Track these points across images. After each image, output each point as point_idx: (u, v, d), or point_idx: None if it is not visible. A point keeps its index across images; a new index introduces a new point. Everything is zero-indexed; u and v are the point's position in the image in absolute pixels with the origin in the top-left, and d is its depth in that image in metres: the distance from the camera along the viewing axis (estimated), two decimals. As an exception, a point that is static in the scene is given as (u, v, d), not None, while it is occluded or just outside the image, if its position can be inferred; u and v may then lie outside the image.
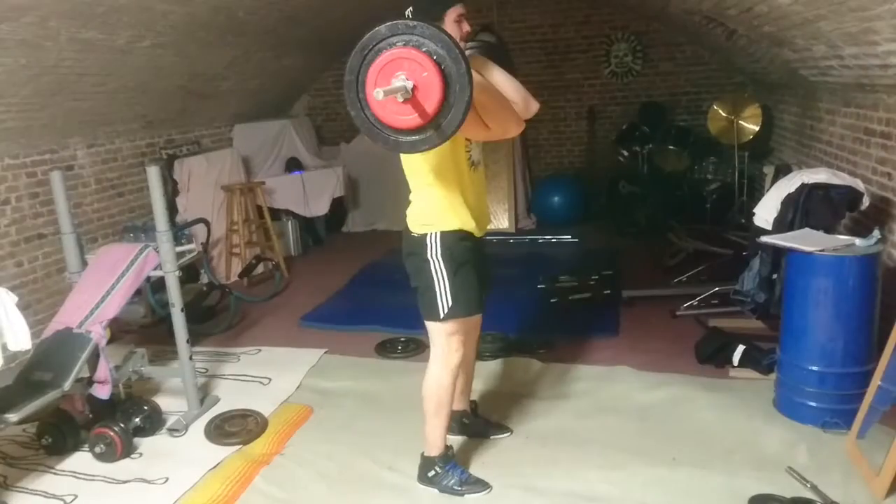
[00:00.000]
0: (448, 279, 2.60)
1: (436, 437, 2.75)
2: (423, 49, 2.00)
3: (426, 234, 2.61)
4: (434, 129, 2.06)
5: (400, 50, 2.01)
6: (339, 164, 7.13)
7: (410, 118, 2.02)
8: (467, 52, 2.49)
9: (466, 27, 2.52)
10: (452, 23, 2.46)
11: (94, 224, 5.05)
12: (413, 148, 2.15)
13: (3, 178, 4.26)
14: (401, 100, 1.98)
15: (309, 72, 7.77)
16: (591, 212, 7.26)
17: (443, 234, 2.59)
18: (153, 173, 3.26)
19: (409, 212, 2.69)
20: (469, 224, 2.63)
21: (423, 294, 2.66)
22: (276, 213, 6.55)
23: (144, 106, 5.31)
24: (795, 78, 4.81)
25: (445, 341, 2.66)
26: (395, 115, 2.03)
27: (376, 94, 1.93)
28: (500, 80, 2.54)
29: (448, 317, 2.61)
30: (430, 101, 2.00)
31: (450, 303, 2.60)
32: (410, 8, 2.48)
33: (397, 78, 1.98)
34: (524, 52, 7.69)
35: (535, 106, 2.62)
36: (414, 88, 1.98)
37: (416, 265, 2.67)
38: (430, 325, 2.68)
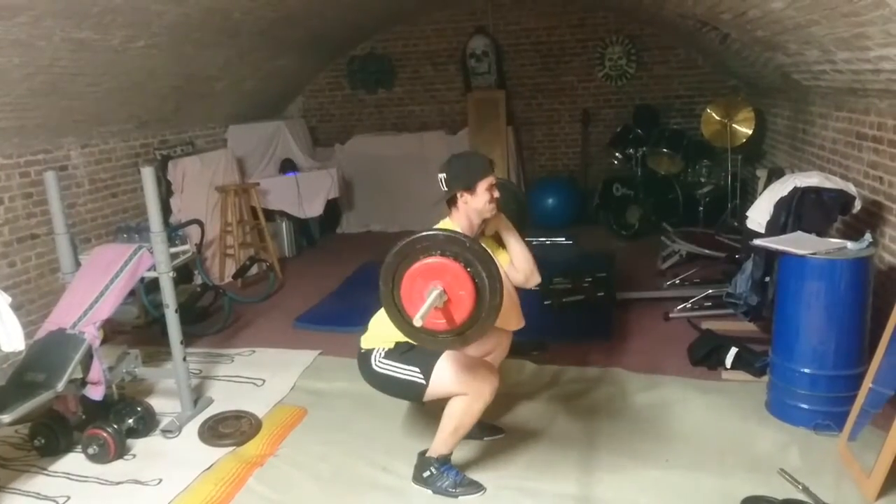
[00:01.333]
0: (399, 363, 2.65)
1: (444, 446, 2.73)
2: (469, 269, 2.16)
3: (371, 350, 2.70)
4: (455, 336, 2.26)
5: (449, 261, 2.17)
6: (334, 166, 7.12)
7: (436, 322, 2.21)
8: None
9: (496, 194, 2.64)
10: (484, 191, 2.60)
11: (87, 224, 5.03)
12: (423, 342, 2.35)
13: (-4, 178, 4.25)
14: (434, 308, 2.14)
15: (303, 73, 7.76)
16: (585, 214, 7.28)
17: (386, 350, 2.68)
18: (147, 174, 3.25)
19: (371, 322, 2.78)
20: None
21: (397, 390, 2.72)
22: (271, 214, 6.54)
23: (138, 106, 5.30)
24: (788, 82, 4.83)
25: (461, 385, 2.59)
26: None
27: (416, 320, 2.10)
28: (515, 248, 2.75)
29: (427, 376, 2.60)
30: (457, 316, 2.17)
31: (416, 369, 2.62)
32: (444, 174, 2.62)
33: (435, 285, 2.13)
34: (519, 54, 7.71)
35: (536, 279, 2.78)
36: (447, 302, 2.15)
37: (369, 377, 2.75)
38: (435, 394, 2.65)
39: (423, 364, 2.61)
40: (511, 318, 2.65)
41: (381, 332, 2.69)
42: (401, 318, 2.29)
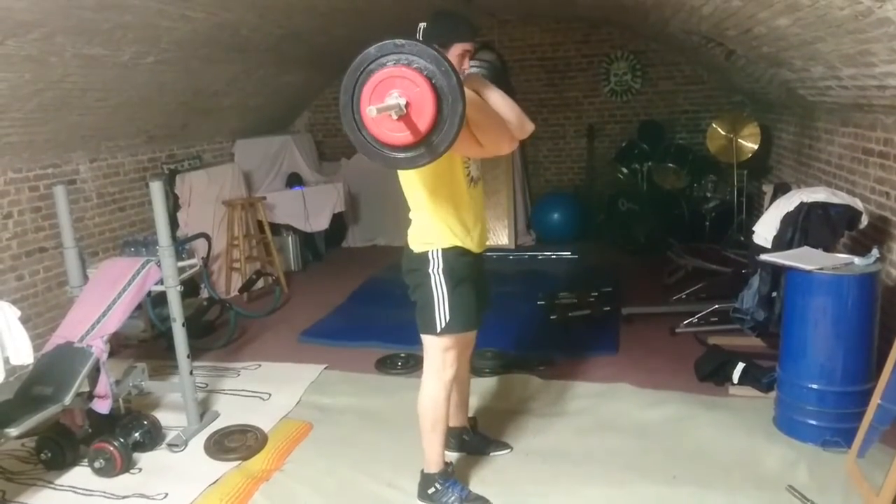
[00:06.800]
0: (447, 295, 2.61)
1: (434, 453, 2.75)
2: (414, 66, 2.03)
3: (427, 251, 2.64)
4: (429, 145, 2.09)
5: (391, 69, 2.03)
6: (340, 180, 7.16)
7: (405, 135, 2.05)
8: (469, 71, 2.54)
9: (466, 65, 2.55)
10: (456, 56, 2.50)
11: (95, 238, 5.06)
12: (411, 163, 2.17)
13: (5, 192, 4.27)
14: (395, 117, 2.00)
15: (310, 88, 7.82)
16: (591, 229, 7.28)
17: (444, 251, 2.62)
18: (156, 188, 3.27)
19: (409, 231, 2.71)
20: (467, 242, 2.65)
21: (422, 308, 2.68)
22: (277, 229, 6.56)
23: (147, 121, 5.34)
24: (794, 98, 4.84)
25: (441, 356, 2.67)
26: (390, 133, 2.06)
27: (369, 111, 1.97)
28: (496, 99, 2.57)
29: (445, 331, 2.63)
30: (425, 117, 2.02)
31: (447, 318, 2.61)
32: (423, 24, 2.52)
33: (391, 96, 2.00)
34: (524, 70, 7.75)
35: (529, 126, 2.65)
36: (407, 105, 2.00)
37: (416, 280, 2.69)
38: (427, 340, 2.70)
39: (454, 320, 2.61)
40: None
41: (431, 229, 2.62)
42: (384, 156, 2.15)
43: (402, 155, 2.12)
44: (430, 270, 2.63)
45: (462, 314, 2.64)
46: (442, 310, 2.62)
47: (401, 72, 2.02)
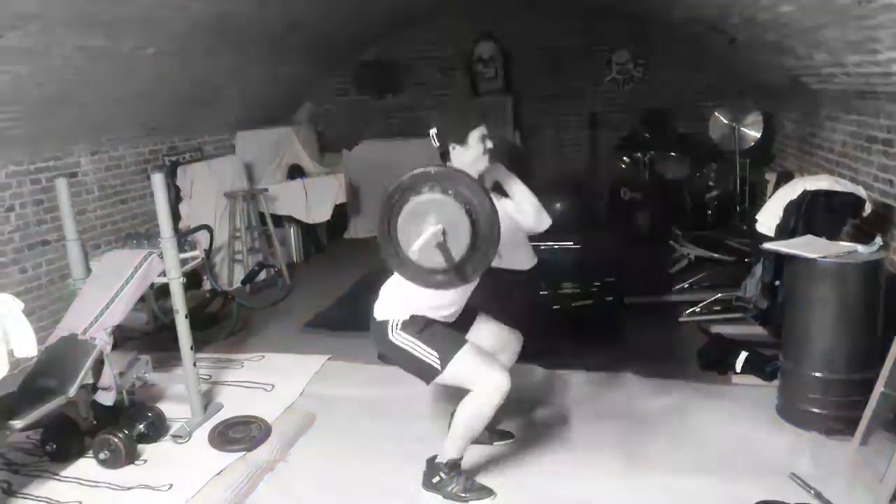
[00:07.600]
0: (418, 340, 2.61)
1: (455, 451, 2.73)
2: (461, 202, 2.13)
3: (386, 321, 2.66)
4: (454, 274, 2.21)
5: (441, 196, 2.14)
6: (341, 171, 7.14)
7: (434, 259, 2.17)
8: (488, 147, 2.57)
9: (489, 144, 2.58)
10: (476, 142, 2.54)
11: (97, 231, 5.05)
12: (429, 285, 2.31)
13: (7, 185, 4.27)
14: (434, 245, 2.11)
15: (311, 79, 7.79)
16: (593, 218, 7.25)
17: (403, 322, 2.64)
18: (158, 180, 3.27)
19: (380, 292, 2.74)
20: (436, 315, 2.65)
21: (411, 367, 2.68)
22: (279, 220, 6.55)
23: (148, 113, 5.33)
24: (797, 85, 4.82)
25: (466, 379, 2.61)
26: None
27: (411, 252, 2.08)
28: (517, 192, 2.64)
29: (444, 364, 2.59)
30: (454, 250, 2.13)
31: (435, 353, 2.60)
32: (434, 129, 2.58)
33: (431, 221, 2.11)
34: (526, 59, 7.71)
35: (546, 221, 2.70)
36: (444, 233, 2.11)
37: (384, 347, 2.72)
38: (445, 381, 2.66)
39: (443, 350, 2.59)
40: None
41: (395, 301, 2.65)
42: (399, 262, 2.23)
43: (429, 276, 2.26)
44: (390, 336, 2.65)
45: (442, 342, 2.62)
46: (424, 353, 2.61)
47: (448, 202, 2.13)
